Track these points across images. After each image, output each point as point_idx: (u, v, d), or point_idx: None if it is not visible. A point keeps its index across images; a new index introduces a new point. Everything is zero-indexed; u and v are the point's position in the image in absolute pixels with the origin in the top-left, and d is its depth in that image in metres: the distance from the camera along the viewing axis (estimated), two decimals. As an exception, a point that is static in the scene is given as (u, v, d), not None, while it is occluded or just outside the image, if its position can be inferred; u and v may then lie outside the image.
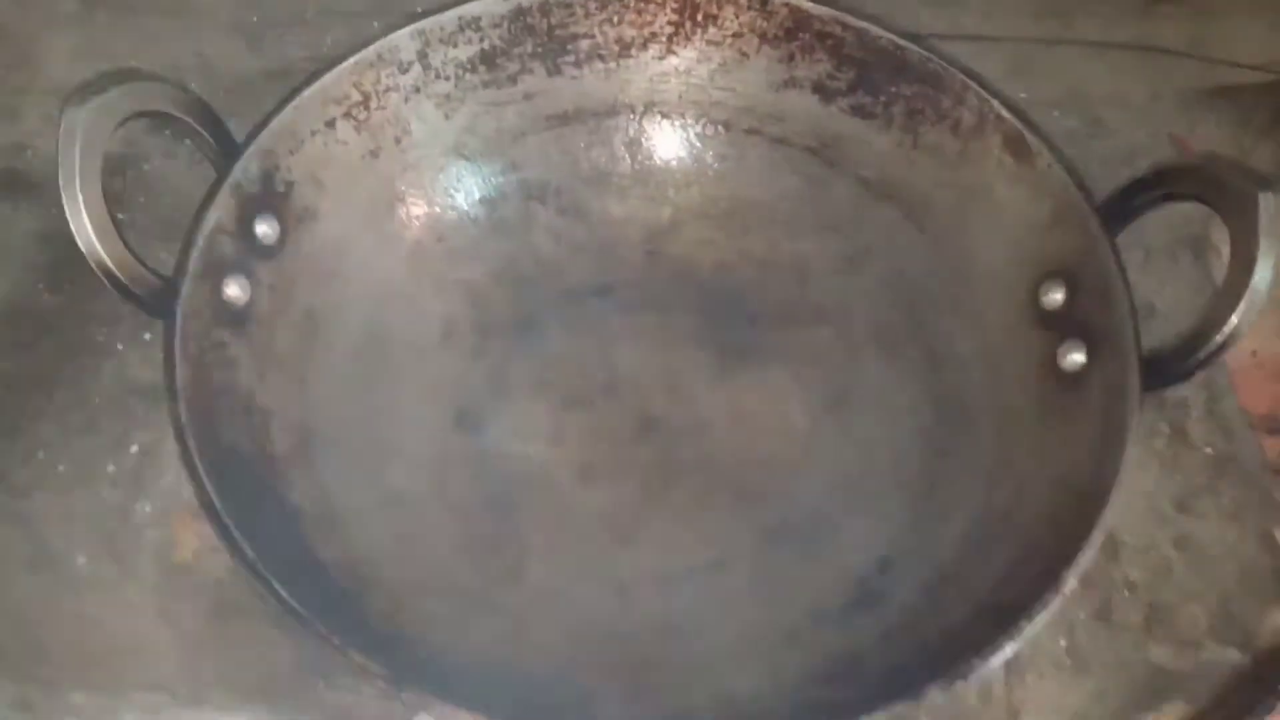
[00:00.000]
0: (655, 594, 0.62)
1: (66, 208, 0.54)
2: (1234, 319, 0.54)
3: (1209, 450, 0.74)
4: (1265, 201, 0.53)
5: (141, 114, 0.58)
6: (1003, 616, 0.51)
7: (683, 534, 0.65)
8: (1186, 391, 0.75)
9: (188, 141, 0.78)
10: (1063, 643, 0.66)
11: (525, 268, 0.75)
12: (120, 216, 0.57)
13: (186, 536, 0.64)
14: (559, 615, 0.61)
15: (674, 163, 0.77)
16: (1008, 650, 0.48)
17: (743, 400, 0.71)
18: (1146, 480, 0.72)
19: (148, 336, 0.71)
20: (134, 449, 0.68)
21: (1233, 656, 0.67)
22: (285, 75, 0.80)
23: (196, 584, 0.63)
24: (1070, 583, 0.49)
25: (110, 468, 0.67)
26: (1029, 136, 0.65)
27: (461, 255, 0.73)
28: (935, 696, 0.46)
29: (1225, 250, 0.56)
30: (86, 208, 0.53)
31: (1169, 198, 0.59)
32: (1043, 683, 0.65)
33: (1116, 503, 0.53)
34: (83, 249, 0.54)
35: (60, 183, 0.54)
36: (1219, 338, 0.55)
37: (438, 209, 0.73)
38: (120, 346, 0.71)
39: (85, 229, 0.54)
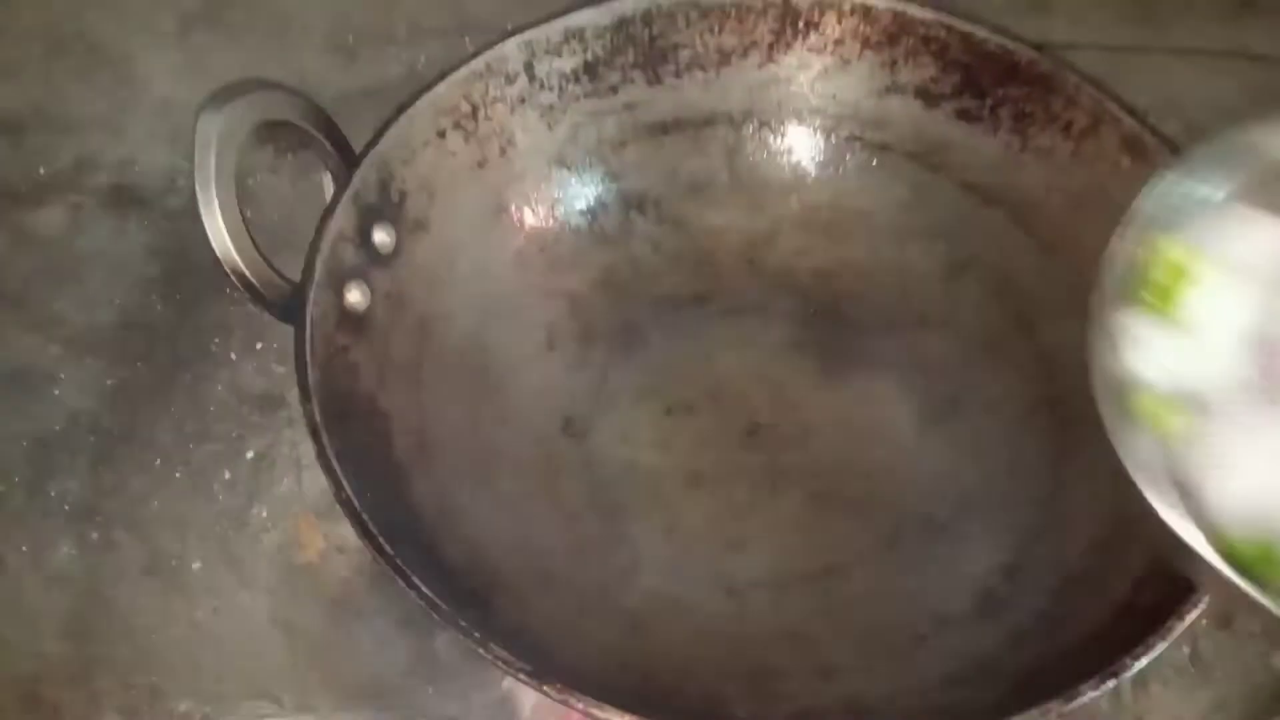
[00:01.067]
0: (770, 599, 0.62)
1: (202, 212, 0.55)
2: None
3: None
4: None
5: (269, 123, 0.59)
6: (1144, 617, 0.50)
7: (794, 540, 0.64)
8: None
9: (290, 156, 0.81)
10: (1185, 650, 0.65)
11: (625, 276, 0.75)
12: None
13: (312, 538, 0.65)
14: (676, 618, 0.60)
15: (772, 171, 0.77)
16: (1158, 649, 0.47)
17: (848, 407, 0.70)
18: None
19: (259, 346, 0.73)
20: (249, 455, 0.69)
21: (1359, 666, 0.66)
22: (382, 92, 0.81)
23: (318, 585, 0.64)
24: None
25: (226, 474, 0.68)
26: (1148, 137, 0.65)
27: (563, 264, 0.74)
28: (1087, 695, 0.45)
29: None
30: (222, 212, 0.55)
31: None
32: (1166, 691, 0.64)
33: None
34: (217, 253, 0.55)
35: (196, 187, 0.55)
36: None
37: (540, 219, 0.74)
38: (234, 356, 0.72)
39: (220, 233, 0.55)
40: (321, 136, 0.61)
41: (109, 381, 0.71)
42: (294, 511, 0.66)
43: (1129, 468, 0.39)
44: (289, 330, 0.70)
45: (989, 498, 0.65)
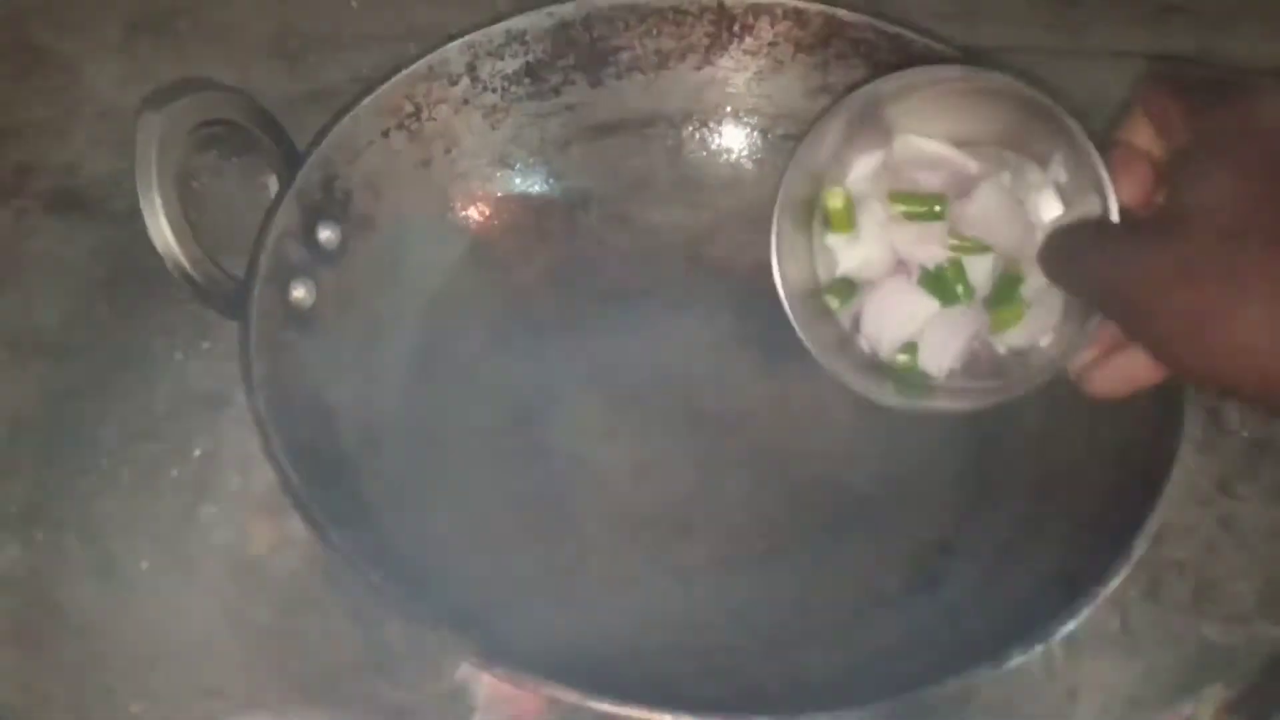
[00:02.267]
0: (717, 581, 0.63)
1: (144, 210, 0.55)
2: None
3: (1245, 434, 0.75)
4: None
5: (212, 122, 0.59)
6: (1071, 587, 0.52)
7: (740, 523, 0.66)
8: (1221, 379, 0.77)
9: (234, 160, 0.81)
10: (1116, 623, 0.67)
11: (571, 272, 0.76)
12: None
13: (260, 531, 0.65)
14: (625, 603, 0.62)
15: (712, 170, 0.79)
16: (1083, 614, 0.49)
17: (789, 394, 0.72)
18: (1187, 465, 0.73)
19: (206, 345, 0.73)
20: (197, 453, 0.69)
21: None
22: (327, 96, 0.82)
23: (268, 579, 0.64)
24: (1140, 548, 0.51)
25: (174, 473, 0.68)
26: (1071, 124, 0.67)
27: (510, 261, 0.75)
28: (1015, 659, 0.47)
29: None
30: (164, 210, 0.55)
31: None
32: (1098, 661, 0.66)
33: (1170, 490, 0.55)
34: (159, 250, 0.56)
35: (138, 186, 0.55)
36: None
37: (486, 217, 0.75)
38: (179, 356, 0.72)
39: (163, 231, 0.55)
40: (264, 135, 0.62)
41: (53, 384, 0.70)
42: (243, 507, 0.66)
43: (814, 350, 0.59)
44: (233, 329, 0.71)
45: (923, 478, 0.67)
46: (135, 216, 0.79)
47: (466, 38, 0.72)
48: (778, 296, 0.75)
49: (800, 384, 0.72)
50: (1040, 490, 0.61)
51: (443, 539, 0.60)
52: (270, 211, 0.61)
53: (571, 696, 0.48)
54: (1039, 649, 0.48)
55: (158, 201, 0.55)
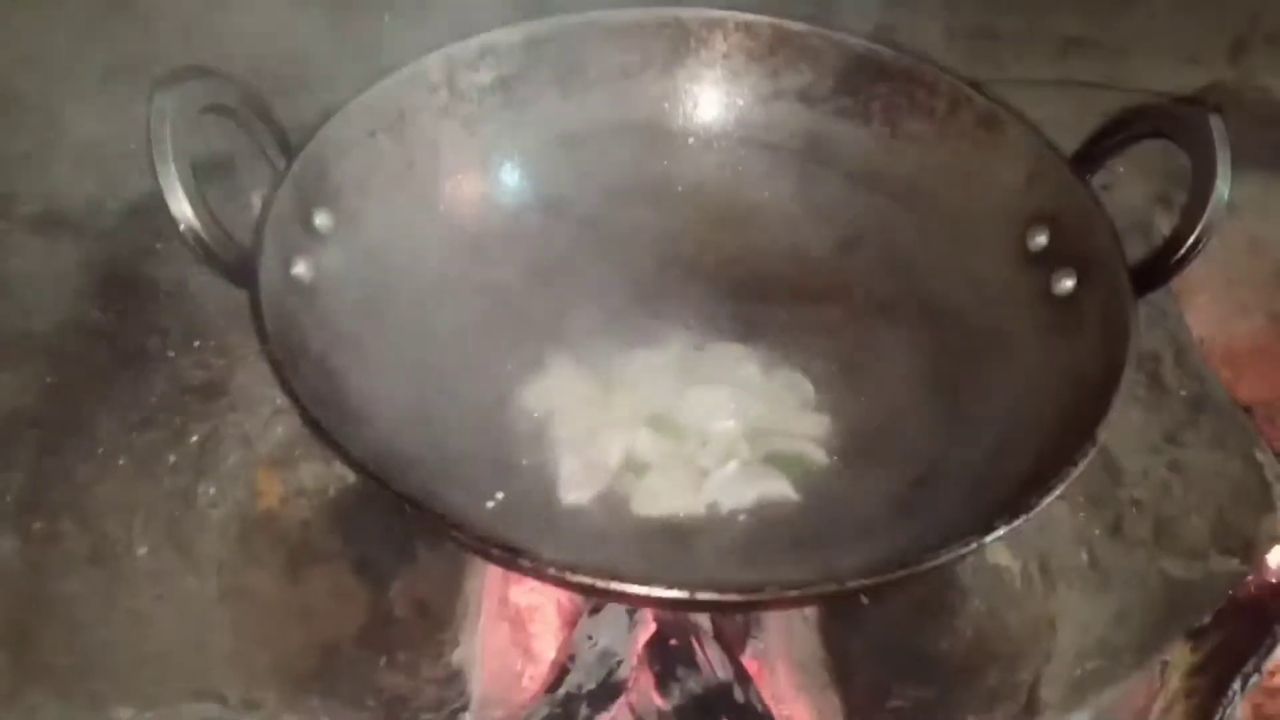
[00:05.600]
0: (732, 525, 0.67)
1: (160, 179, 0.58)
2: (1202, 222, 0.62)
3: (1184, 393, 0.81)
4: (1214, 120, 0.62)
5: (216, 106, 0.63)
6: (1042, 488, 0.55)
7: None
8: (1156, 345, 0.83)
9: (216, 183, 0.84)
10: (1084, 556, 0.71)
11: (549, 271, 0.80)
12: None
13: (271, 484, 0.66)
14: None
15: (676, 174, 0.85)
16: (1056, 491, 0.53)
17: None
18: (1135, 420, 0.79)
19: (197, 343, 0.75)
20: (194, 439, 0.70)
21: (1236, 566, 0.73)
22: (302, 131, 0.86)
23: (277, 534, 0.65)
24: (1103, 436, 0.55)
25: (171, 458, 0.69)
26: (999, 111, 0.75)
27: (491, 259, 0.79)
28: (999, 529, 0.51)
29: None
30: (179, 179, 0.58)
31: (1132, 139, 0.68)
32: (1072, 594, 0.70)
33: (1127, 393, 0.60)
34: (175, 216, 0.58)
35: (153, 157, 0.58)
36: (1191, 238, 0.62)
37: (467, 218, 0.79)
38: (172, 353, 0.74)
39: (179, 200, 0.58)
40: (261, 123, 0.66)
41: (48, 379, 0.72)
42: (247, 474, 0.67)
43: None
44: (225, 327, 0.74)
45: (894, 432, 0.71)
46: (121, 233, 0.82)
47: (444, 50, 0.77)
48: (748, 289, 0.80)
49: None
50: (1008, 425, 0.65)
51: (442, 490, 0.62)
52: (269, 192, 0.64)
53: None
54: (1021, 521, 0.51)
55: (173, 171, 0.58)
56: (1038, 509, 0.52)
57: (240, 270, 0.61)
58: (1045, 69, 1.10)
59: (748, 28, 0.82)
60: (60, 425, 0.70)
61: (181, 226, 0.59)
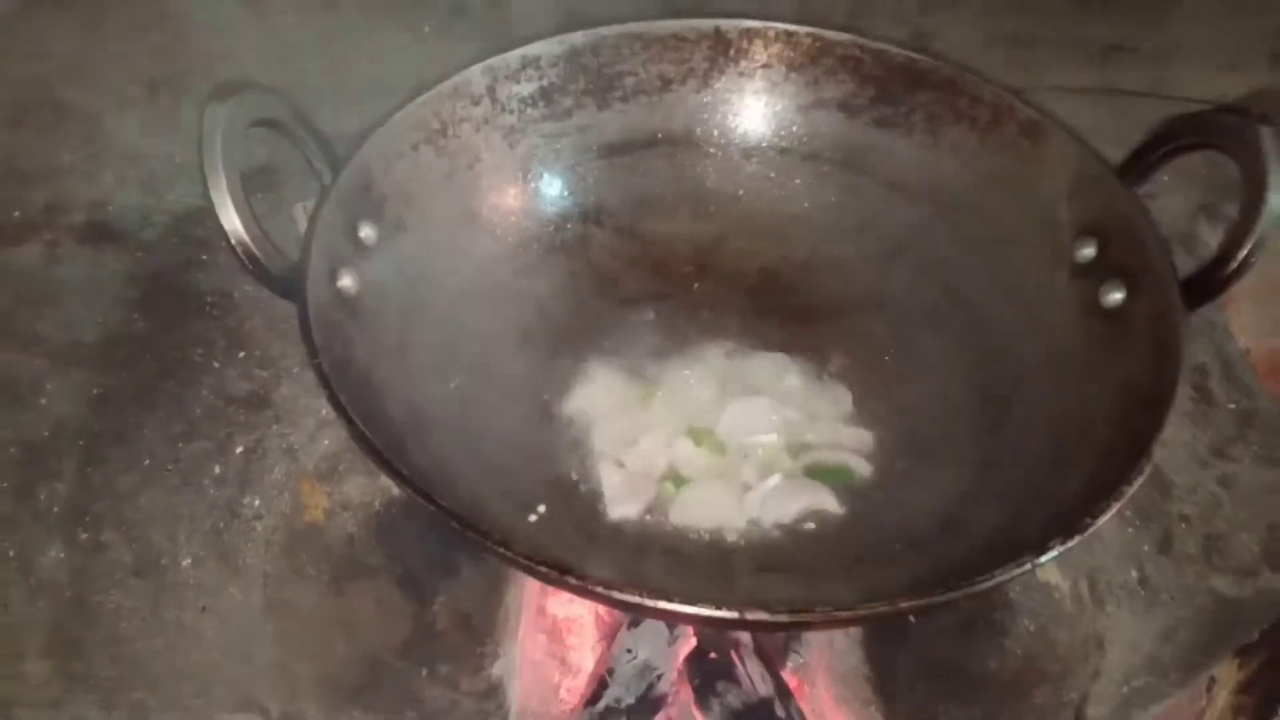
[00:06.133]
0: (774, 539, 0.66)
1: (211, 191, 0.58)
2: (1254, 236, 0.61)
3: (1232, 406, 0.80)
4: (1267, 133, 0.61)
5: (265, 121, 0.63)
6: (1094, 506, 0.54)
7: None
8: (1203, 357, 0.82)
9: (260, 196, 0.85)
10: (1134, 574, 0.70)
11: (586, 282, 0.80)
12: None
13: (316, 499, 0.66)
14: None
15: (715, 183, 0.85)
16: (1113, 509, 0.52)
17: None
18: (1183, 433, 0.77)
19: (241, 354, 0.75)
20: (239, 450, 0.70)
21: (1287, 584, 0.72)
22: (344, 141, 0.87)
23: (322, 547, 0.65)
24: (1157, 453, 0.54)
25: (216, 469, 0.70)
26: (1043, 121, 0.74)
27: (531, 270, 0.79)
28: (1054, 550, 0.50)
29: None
30: (229, 192, 0.58)
31: (1180, 150, 0.67)
32: (1120, 611, 0.69)
33: (1175, 406, 0.59)
34: (225, 229, 0.59)
35: (204, 170, 0.59)
36: (1242, 253, 0.61)
37: (507, 228, 0.80)
38: (216, 364, 0.75)
39: (229, 211, 0.59)
40: (308, 137, 0.66)
41: (95, 390, 0.72)
42: (293, 486, 0.67)
43: None
44: (270, 339, 0.74)
45: (940, 444, 0.70)
46: (166, 244, 0.83)
47: (487, 62, 0.77)
48: (787, 300, 0.79)
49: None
50: (1055, 438, 0.64)
51: (487, 503, 0.62)
52: (318, 206, 0.65)
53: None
54: (1076, 540, 0.50)
55: (224, 184, 0.58)
56: (1092, 529, 0.51)
57: (287, 283, 0.61)
58: (1085, 76, 1.08)
59: (788, 37, 0.81)
60: (106, 436, 0.70)
61: (232, 240, 0.59)
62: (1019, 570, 0.50)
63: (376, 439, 0.54)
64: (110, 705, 0.68)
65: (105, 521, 0.68)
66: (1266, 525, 0.73)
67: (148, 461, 0.70)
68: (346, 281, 0.66)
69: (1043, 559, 0.51)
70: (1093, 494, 0.56)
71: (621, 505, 0.66)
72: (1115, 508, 0.52)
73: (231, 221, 0.59)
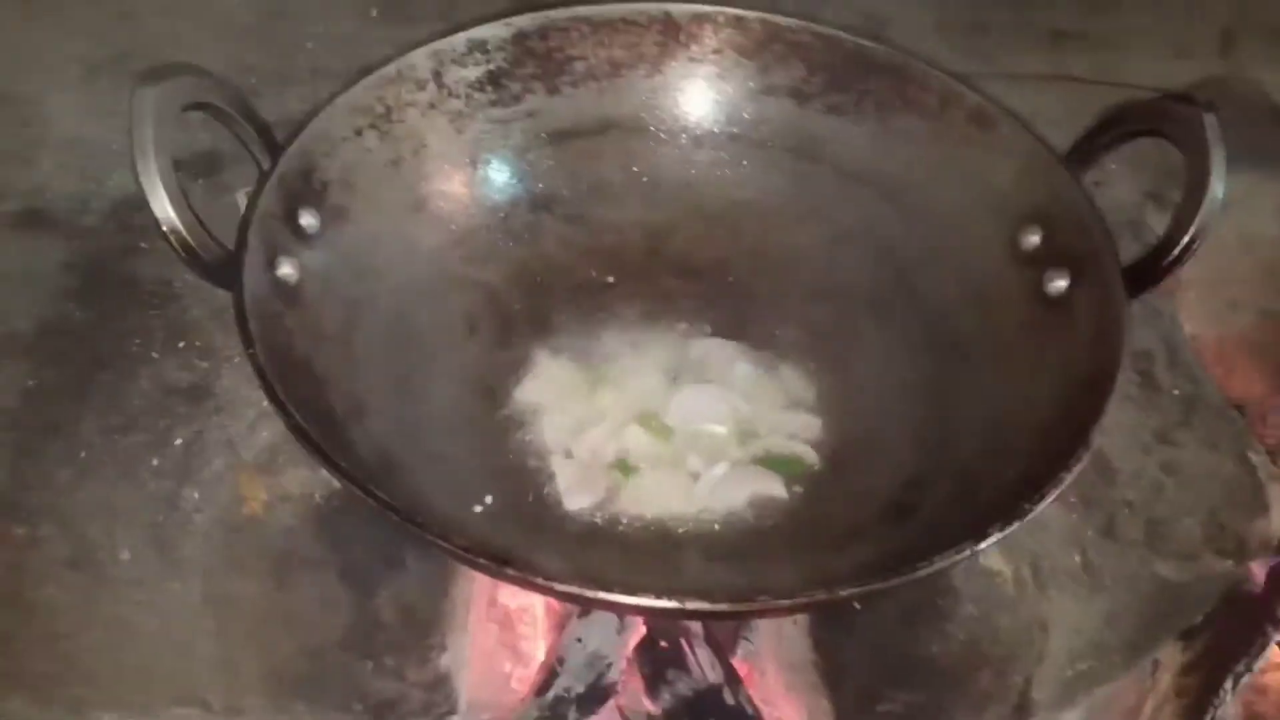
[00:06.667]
0: (722, 528, 0.66)
1: (141, 178, 0.57)
2: (1196, 224, 0.62)
3: (1176, 392, 0.81)
4: (1209, 120, 0.62)
5: (199, 104, 0.62)
6: (1036, 489, 0.55)
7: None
8: (1149, 344, 0.83)
9: (200, 181, 0.83)
10: (1076, 558, 0.71)
11: (538, 269, 0.80)
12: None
13: (255, 490, 0.65)
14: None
15: (666, 170, 0.84)
16: (1051, 496, 0.52)
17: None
18: (1127, 418, 0.78)
19: (181, 345, 0.74)
20: (178, 442, 0.69)
21: (1228, 567, 0.73)
22: (288, 126, 0.85)
23: (260, 544, 0.64)
24: (1096, 440, 0.54)
25: (154, 462, 0.68)
26: (991, 108, 0.74)
27: (480, 258, 0.78)
28: (993, 536, 0.50)
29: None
30: (161, 179, 0.57)
31: (1126, 136, 0.67)
32: (1064, 597, 0.69)
33: (1119, 392, 0.59)
34: (157, 216, 0.57)
35: (134, 155, 0.57)
36: (1185, 240, 0.62)
37: (455, 216, 0.78)
38: (155, 355, 0.73)
39: (161, 198, 0.57)
40: (245, 120, 0.65)
41: (30, 381, 0.71)
42: (232, 479, 0.66)
43: None
44: (211, 328, 0.73)
45: (886, 430, 0.70)
46: (105, 231, 0.81)
47: (432, 45, 0.76)
48: (738, 288, 0.79)
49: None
50: (997, 424, 0.65)
51: (428, 493, 0.62)
52: (254, 191, 0.63)
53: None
54: (1015, 526, 0.51)
55: (155, 171, 0.57)
56: (1031, 515, 0.52)
57: (224, 271, 0.60)
58: (1035, 62, 1.09)
59: (738, 22, 0.81)
60: (41, 427, 0.69)
61: (164, 227, 0.58)
62: (959, 556, 0.50)
63: (313, 430, 0.53)
64: (47, 701, 0.66)
65: (40, 515, 0.66)
66: (1209, 510, 0.74)
67: (84, 454, 0.68)
68: (286, 270, 0.64)
69: (982, 545, 0.51)
70: (1033, 480, 0.56)
71: (577, 497, 0.66)
72: (1054, 494, 0.53)
73: (164, 209, 0.58)
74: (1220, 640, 0.77)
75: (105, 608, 0.67)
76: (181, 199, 0.58)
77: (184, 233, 0.58)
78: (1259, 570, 0.74)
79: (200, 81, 0.62)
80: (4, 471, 0.67)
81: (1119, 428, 0.77)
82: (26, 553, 0.66)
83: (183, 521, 0.67)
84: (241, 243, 0.61)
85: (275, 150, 0.67)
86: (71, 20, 0.97)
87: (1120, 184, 0.94)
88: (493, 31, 0.78)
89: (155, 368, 0.72)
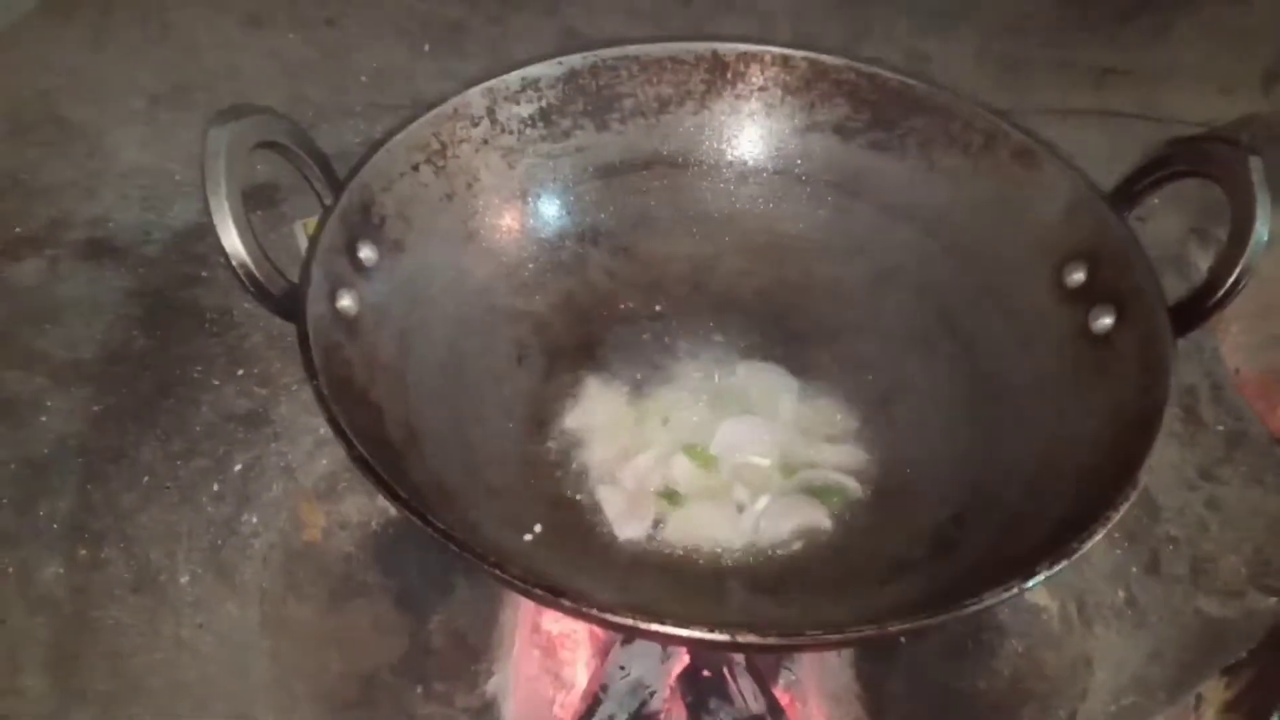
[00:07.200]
0: (768, 559, 0.67)
1: (214, 215, 0.59)
2: (1241, 265, 0.62)
3: (1220, 428, 0.81)
4: (1255, 163, 0.62)
5: (268, 144, 0.64)
6: (1081, 529, 0.55)
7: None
8: (1193, 379, 0.83)
9: (259, 213, 0.86)
10: (1121, 594, 0.71)
11: (584, 300, 0.81)
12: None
13: (314, 517, 0.67)
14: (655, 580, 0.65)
15: (710, 205, 0.85)
16: (1098, 535, 0.53)
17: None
18: (1171, 454, 0.78)
19: (240, 372, 0.76)
20: (237, 468, 0.71)
21: (1272, 604, 0.73)
22: (341, 159, 0.88)
23: (319, 566, 0.66)
24: (1144, 479, 0.55)
25: (215, 486, 0.70)
26: (1034, 146, 0.75)
27: (528, 289, 0.80)
28: (1041, 575, 0.51)
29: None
30: (231, 215, 0.59)
31: (1171, 177, 0.68)
32: (1108, 632, 0.70)
33: (1163, 429, 0.60)
34: (226, 249, 0.59)
35: (206, 192, 0.59)
36: (1230, 281, 0.62)
37: (505, 248, 0.80)
38: (216, 382, 0.75)
39: (230, 233, 0.59)
40: (309, 159, 0.67)
41: (95, 408, 0.73)
42: (290, 504, 0.68)
43: None
44: (269, 356, 0.75)
45: (930, 467, 0.71)
46: (167, 260, 0.84)
47: (487, 83, 0.78)
48: (781, 320, 0.80)
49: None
50: (1044, 460, 0.65)
51: (486, 526, 0.63)
52: (318, 227, 0.65)
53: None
54: (1063, 565, 0.51)
55: (226, 207, 0.59)
56: (1079, 553, 0.52)
57: (287, 303, 0.62)
58: (1078, 99, 1.10)
59: (784, 62, 0.82)
60: (106, 453, 0.71)
61: (233, 262, 0.60)
62: (1007, 594, 0.51)
63: (374, 460, 0.55)
64: (109, 719, 0.68)
65: (105, 538, 0.68)
66: (1253, 547, 0.74)
67: (147, 479, 0.70)
68: (346, 302, 0.66)
69: (1030, 583, 0.51)
70: (1080, 517, 0.56)
71: (626, 526, 0.67)
72: (1102, 532, 0.53)
73: (233, 244, 0.60)
74: (1264, 676, 0.77)
75: (165, 629, 0.69)
76: (250, 235, 0.61)
77: (252, 267, 0.60)
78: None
79: (269, 121, 0.64)
80: (71, 496, 0.69)
81: (1163, 463, 0.77)
82: (91, 575, 0.68)
83: (241, 546, 0.68)
84: (305, 277, 0.63)
85: (336, 185, 0.69)
86: (135, 54, 1.00)
87: (1163, 219, 0.95)
88: (545, 70, 0.80)
89: (216, 394, 0.74)
